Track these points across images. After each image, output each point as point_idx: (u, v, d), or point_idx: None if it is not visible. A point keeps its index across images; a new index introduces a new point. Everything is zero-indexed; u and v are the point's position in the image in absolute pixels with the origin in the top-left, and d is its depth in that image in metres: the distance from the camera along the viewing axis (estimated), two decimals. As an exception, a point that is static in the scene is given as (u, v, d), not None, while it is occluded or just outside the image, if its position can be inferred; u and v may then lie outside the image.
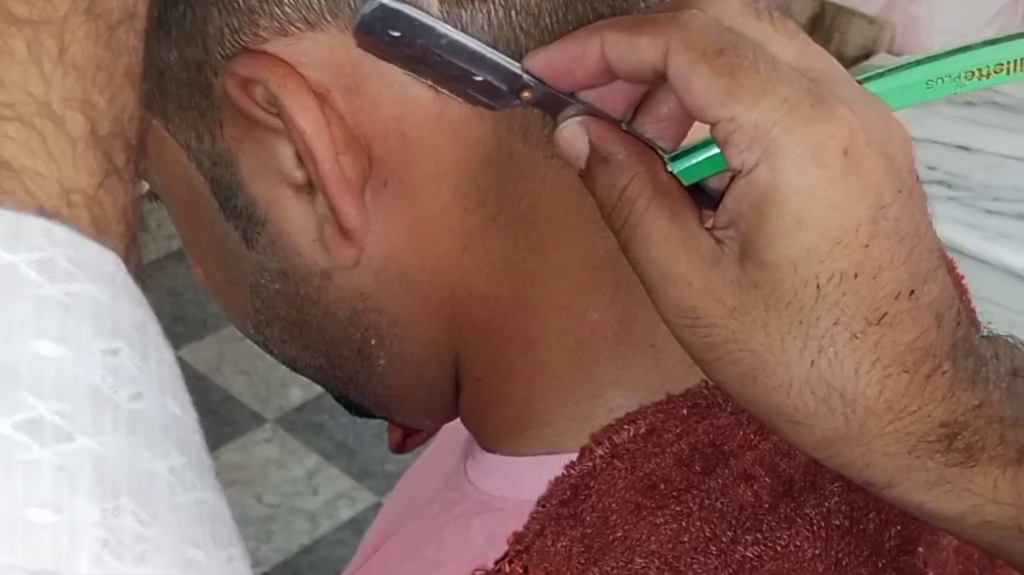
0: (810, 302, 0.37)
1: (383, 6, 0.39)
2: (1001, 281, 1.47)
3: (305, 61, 0.41)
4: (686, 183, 0.41)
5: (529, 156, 0.43)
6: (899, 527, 0.45)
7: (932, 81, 0.41)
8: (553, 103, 0.41)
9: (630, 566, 0.43)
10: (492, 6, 0.41)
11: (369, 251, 0.44)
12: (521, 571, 0.44)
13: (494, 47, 0.41)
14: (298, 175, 0.43)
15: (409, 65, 0.41)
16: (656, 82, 0.40)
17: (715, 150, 0.39)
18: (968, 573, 0.49)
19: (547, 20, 0.41)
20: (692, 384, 0.46)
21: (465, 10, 0.41)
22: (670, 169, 0.41)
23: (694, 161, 0.40)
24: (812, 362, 0.38)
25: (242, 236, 0.46)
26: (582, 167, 0.41)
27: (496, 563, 0.45)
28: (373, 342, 0.47)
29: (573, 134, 0.41)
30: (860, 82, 0.41)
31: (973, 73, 0.41)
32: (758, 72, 0.37)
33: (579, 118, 0.41)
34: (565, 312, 0.46)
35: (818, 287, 0.37)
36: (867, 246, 0.37)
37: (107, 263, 0.29)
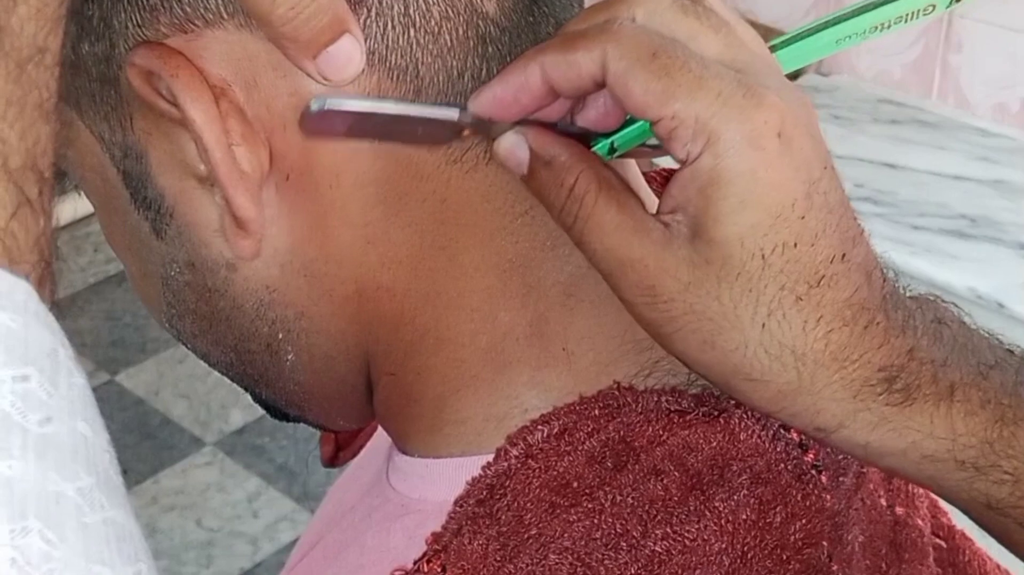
0: (757, 272, 0.41)
1: (323, 107, 0.41)
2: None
3: (205, 56, 0.43)
4: (616, 156, 0.44)
5: (429, 158, 0.45)
6: (804, 521, 0.46)
7: (841, 40, 0.46)
8: (488, 123, 0.43)
9: (544, 563, 0.44)
10: (390, 21, 0.43)
11: (274, 244, 0.46)
12: (439, 570, 0.45)
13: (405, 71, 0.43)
14: (202, 167, 0.44)
15: (355, 136, 0.43)
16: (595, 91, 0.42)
17: (637, 124, 0.43)
18: (875, 567, 0.50)
19: (446, 38, 0.43)
20: (604, 386, 0.47)
21: (359, 16, 0.42)
22: (603, 144, 0.44)
23: (622, 133, 0.43)
24: (763, 324, 0.41)
25: (152, 227, 0.47)
26: (524, 172, 0.43)
27: (415, 563, 0.45)
28: (281, 336, 0.48)
29: (513, 143, 0.43)
30: (774, 48, 0.45)
31: (877, 27, 0.46)
32: (691, 70, 0.40)
33: (515, 128, 0.43)
34: (477, 313, 0.47)
35: (763, 258, 0.41)
36: (803, 217, 0.41)
37: (18, 292, 0.30)
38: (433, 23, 0.43)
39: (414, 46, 0.43)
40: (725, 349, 0.42)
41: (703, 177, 0.40)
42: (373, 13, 0.43)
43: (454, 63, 0.44)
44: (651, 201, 0.45)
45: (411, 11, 0.43)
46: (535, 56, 0.42)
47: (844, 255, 0.41)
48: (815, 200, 0.41)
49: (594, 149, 0.44)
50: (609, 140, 0.44)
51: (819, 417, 0.43)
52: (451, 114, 0.43)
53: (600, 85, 0.41)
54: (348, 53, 0.40)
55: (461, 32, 0.44)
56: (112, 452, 0.31)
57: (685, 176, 0.41)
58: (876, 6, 0.46)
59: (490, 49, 0.44)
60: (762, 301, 0.41)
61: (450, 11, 0.43)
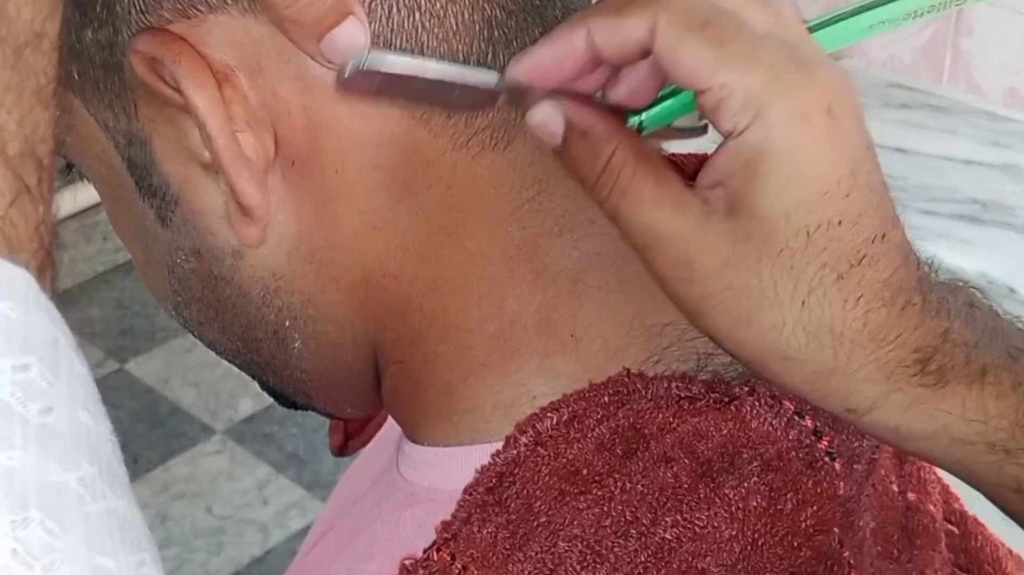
0: (800, 249, 0.40)
1: (360, 65, 0.41)
2: (938, 280, 1.49)
3: (208, 42, 0.43)
4: (651, 128, 0.43)
5: (435, 144, 0.45)
6: (815, 508, 0.46)
7: (875, 25, 0.45)
8: (522, 93, 0.43)
9: (553, 550, 0.44)
10: (395, 5, 0.42)
11: (280, 231, 0.46)
12: (449, 558, 0.45)
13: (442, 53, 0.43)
14: (206, 154, 0.44)
15: (389, 95, 0.43)
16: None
17: (673, 100, 0.43)
18: (886, 553, 0.50)
19: (452, 21, 0.43)
20: (612, 372, 0.47)
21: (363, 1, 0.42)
22: (632, 120, 0.43)
23: (658, 108, 0.43)
24: (803, 302, 0.41)
25: (157, 215, 0.47)
26: (558, 144, 0.43)
27: (424, 552, 0.45)
28: (287, 323, 0.48)
29: (547, 114, 0.42)
30: (810, 29, 0.44)
31: (911, 14, 0.46)
32: (743, 41, 0.39)
33: (550, 98, 0.42)
34: (484, 300, 0.47)
35: (808, 235, 0.40)
36: (848, 195, 0.40)
37: (18, 280, 0.30)
38: (439, 6, 0.43)
39: (419, 29, 0.43)
40: (762, 327, 0.41)
41: (749, 151, 0.40)
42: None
43: (459, 47, 0.44)
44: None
45: None
46: (582, 19, 0.41)
47: (884, 235, 0.41)
48: (859, 179, 0.40)
49: (636, 117, 0.43)
50: (638, 117, 0.43)
51: (851, 398, 0.42)
52: (489, 78, 0.42)
53: (646, 53, 0.40)
54: (352, 35, 0.40)
55: (467, 16, 0.43)
56: (115, 441, 0.31)
57: (730, 149, 0.40)
58: None
59: (496, 33, 0.44)
60: (803, 279, 0.40)
61: None
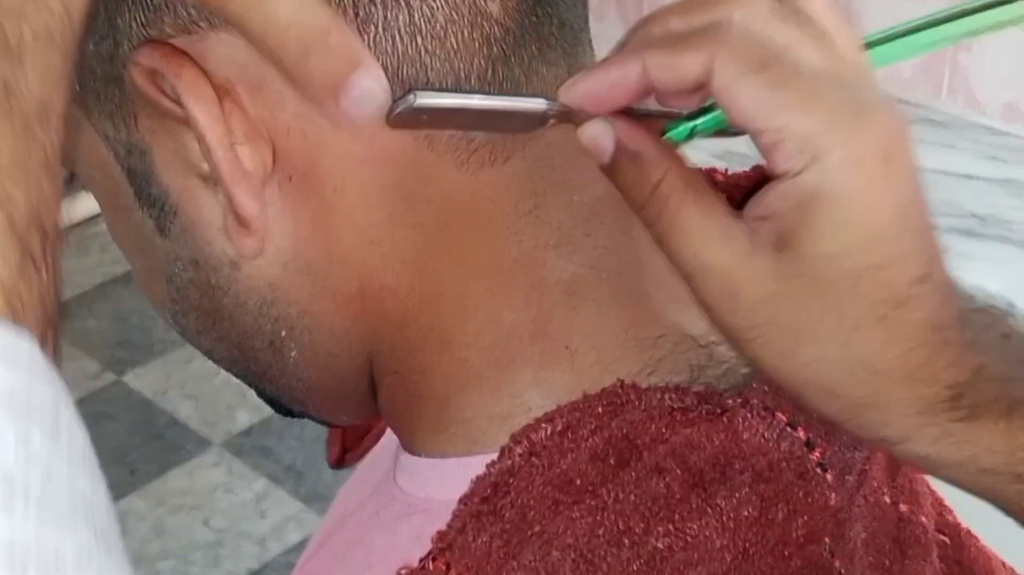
0: (846, 290, 0.41)
1: (411, 105, 0.42)
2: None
3: (209, 57, 0.43)
4: (685, 140, 0.43)
5: (437, 162, 0.45)
6: (807, 518, 0.46)
7: (936, 42, 0.45)
8: (572, 113, 0.43)
9: (547, 559, 0.44)
10: (397, 33, 0.43)
11: (277, 242, 0.46)
12: (444, 568, 0.45)
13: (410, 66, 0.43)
14: (205, 166, 0.45)
15: (440, 127, 0.44)
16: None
17: (713, 113, 0.42)
18: (878, 564, 0.50)
19: (452, 41, 0.44)
20: (607, 384, 0.47)
21: (367, 35, 0.42)
22: (684, 128, 0.43)
23: (705, 118, 0.43)
24: (844, 341, 0.41)
25: (156, 225, 0.48)
26: (606, 162, 0.43)
27: (420, 561, 0.46)
28: (283, 333, 0.48)
29: (599, 131, 0.43)
30: (868, 45, 0.44)
31: (970, 31, 0.45)
32: (801, 84, 0.39)
33: (603, 117, 0.43)
34: (480, 313, 0.47)
35: (855, 277, 0.40)
36: (897, 239, 0.40)
37: (23, 350, 0.30)
38: (439, 27, 0.43)
39: (422, 53, 0.43)
40: (802, 361, 0.42)
41: (803, 193, 0.40)
42: (380, 28, 0.43)
43: (460, 65, 0.44)
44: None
45: (416, 18, 0.43)
46: (638, 52, 0.41)
47: (928, 275, 0.41)
48: (909, 222, 0.40)
49: (670, 133, 0.43)
50: (691, 124, 0.43)
51: (885, 430, 0.43)
52: (538, 105, 0.43)
53: (701, 88, 0.41)
54: (369, 89, 0.40)
55: (466, 34, 0.44)
56: (111, 505, 0.32)
57: (784, 188, 0.40)
58: (978, 10, 0.45)
59: (494, 50, 0.44)
60: (847, 318, 0.41)
61: (454, 14, 0.43)
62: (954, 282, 0.43)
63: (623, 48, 0.42)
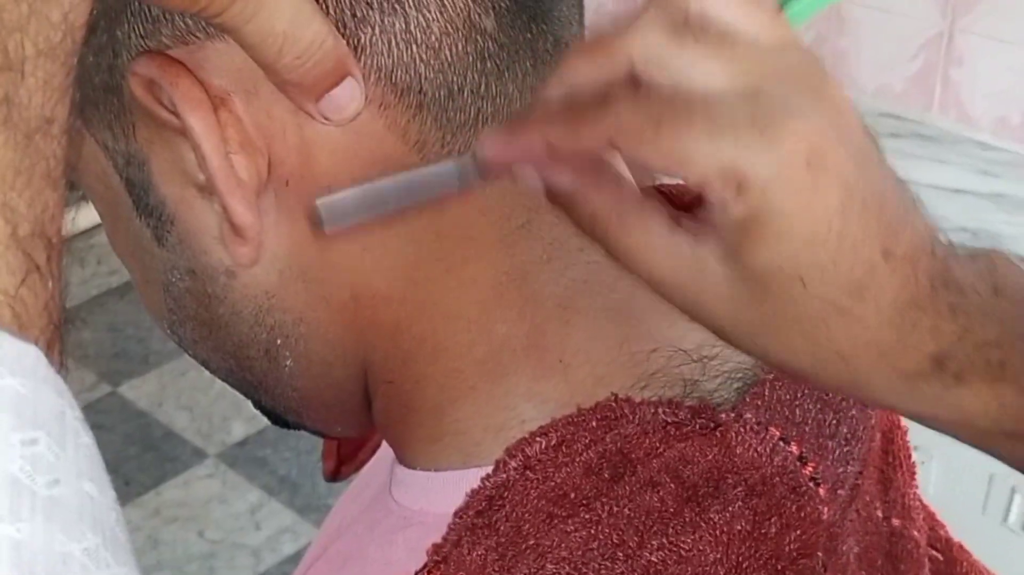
0: (799, 294, 0.40)
1: (326, 202, 0.42)
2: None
3: (206, 67, 0.44)
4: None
5: None
6: (799, 532, 0.46)
7: None
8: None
9: (542, 572, 0.44)
10: (394, 40, 0.43)
11: (273, 250, 0.47)
12: (439, 580, 0.45)
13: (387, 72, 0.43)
14: (201, 176, 0.45)
15: (375, 215, 0.43)
16: None
17: None
18: (870, 578, 0.50)
19: (446, 53, 0.44)
20: (600, 397, 0.47)
21: (363, 35, 0.43)
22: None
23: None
24: (807, 335, 0.41)
25: (153, 234, 0.48)
26: (544, 197, 0.42)
27: (416, 574, 0.46)
28: (279, 342, 0.49)
29: (526, 174, 0.42)
30: (781, 4, 0.42)
31: None
32: (699, 126, 0.38)
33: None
34: (473, 324, 0.47)
35: (803, 282, 0.40)
36: (840, 233, 0.39)
37: (28, 357, 0.30)
38: (433, 39, 0.44)
39: (417, 62, 0.44)
40: (775, 352, 0.42)
41: (738, 216, 0.39)
42: (376, 31, 0.43)
43: (454, 78, 0.44)
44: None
45: (412, 28, 0.44)
46: (540, 126, 0.40)
47: (887, 251, 0.40)
48: (852, 208, 0.39)
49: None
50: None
51: (872, 398, 0.44)
52: (449, 169, 0.42)
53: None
54: (349, 95, 0.41)
55: (460, 47, 0.44)
56: (118, 510, 0.32)
57: (720, 212, 0.39)
58: None
59: (488, 65, 0.45)
60: (805, 316, 0.41)
61: (449, 27, 0.44)
62: (932, 234, 0.41)
63: (532, 112, 0.41)
